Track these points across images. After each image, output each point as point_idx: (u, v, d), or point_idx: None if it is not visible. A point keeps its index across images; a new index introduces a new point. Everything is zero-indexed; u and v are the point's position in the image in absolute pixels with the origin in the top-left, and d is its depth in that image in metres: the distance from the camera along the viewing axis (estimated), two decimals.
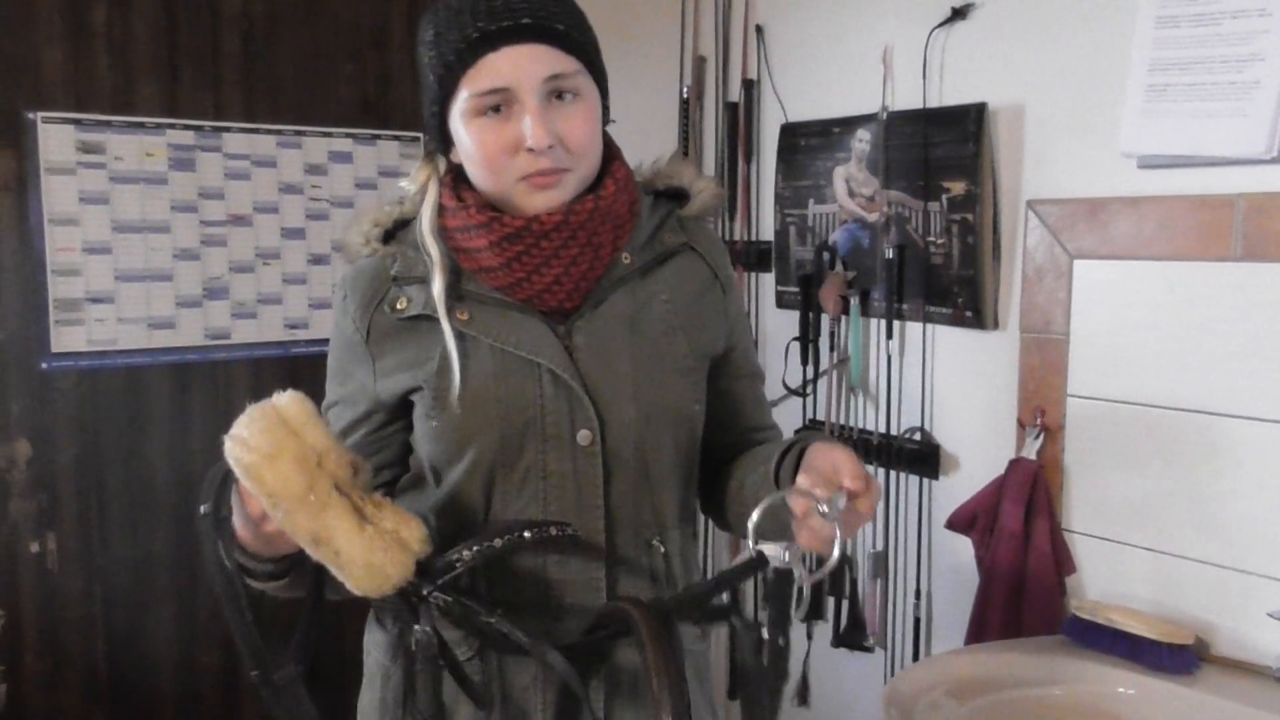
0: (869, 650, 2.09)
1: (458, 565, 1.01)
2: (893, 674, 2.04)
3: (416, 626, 1.01)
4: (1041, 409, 1.75)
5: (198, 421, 2.45)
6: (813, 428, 2.17)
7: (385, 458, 1.18)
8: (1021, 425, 1.79)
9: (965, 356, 1.91)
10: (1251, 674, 1.49)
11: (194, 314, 2.43)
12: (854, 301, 2.05)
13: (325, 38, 2.55)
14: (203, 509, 0.97)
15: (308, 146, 2.54)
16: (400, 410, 1.16)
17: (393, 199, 1.19)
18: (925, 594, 1.99)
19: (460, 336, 1.10)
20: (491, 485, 1.12)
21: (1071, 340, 1.72)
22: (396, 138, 2.63)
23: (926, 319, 1.95)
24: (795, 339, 2.16)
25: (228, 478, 0.96)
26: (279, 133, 2.50)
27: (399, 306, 1.12)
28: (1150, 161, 1.60)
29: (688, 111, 2.40)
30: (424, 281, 1.11)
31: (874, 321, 2.05)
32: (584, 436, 1.11)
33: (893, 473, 2.03)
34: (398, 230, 1.16)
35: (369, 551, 0.95)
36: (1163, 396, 1.60)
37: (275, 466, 0.92)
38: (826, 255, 2.09)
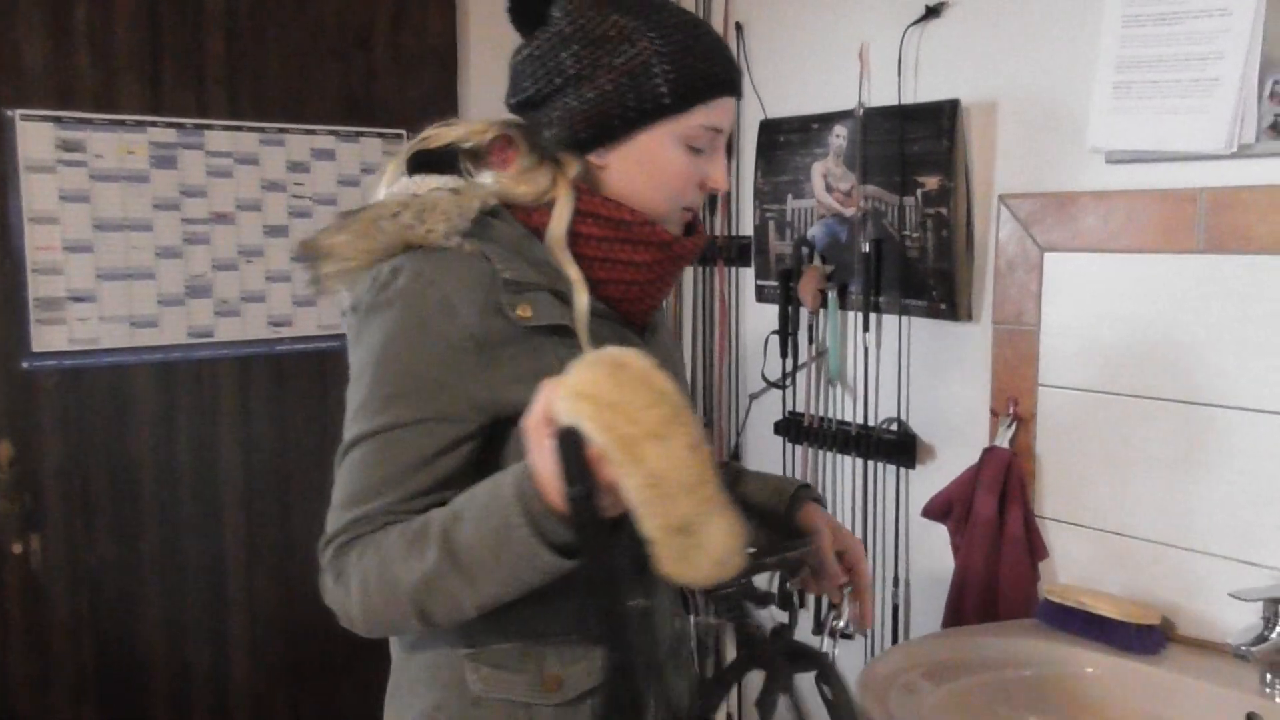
0: (849, 637, 2.13)
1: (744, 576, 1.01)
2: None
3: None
4: (1014, 399, 1.80)
5: (182, 419, 2.45)
6: (792, 420, 2.21)
7: (465, 481, 1.02)
8: (995, 415, 1.83)
9: (940, 348, 1.95)
10: (1214, 652, 1.54)
11: (177, 312, 2.44)
12: (832, 295, 2.09)
13: (309, 36, 2.56)
14: (571, 492, 0.86)
15: (290, 144, 2.55)
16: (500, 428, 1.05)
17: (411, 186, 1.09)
18: (903, 581, 2.03)
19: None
20: None
21: (1042, 331, 1.76)
22: (380, 135, 2.64)
23: (903, 311, 1.99)
24: (774, 332, 2.20)
25: (578, 445, 0.85)
26: (262, 130, 2.51)
27: (521, 313, 1.02)
28: (1117, 156, 1.64)
29: None
30: (541, 288, 1.05)
31: (851, 314, 2.09)
32: None
33: (870, 463, 2.07)
34: (476, 224, 1.06)
35: (733, 544, 0.86)
36: (1130, 385, 1.65)
37: (666, 448, 0.83)
38: (805, 249, 2.13)
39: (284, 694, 2.63)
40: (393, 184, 1.11)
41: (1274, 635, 1.40)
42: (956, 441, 1.93)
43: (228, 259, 2.50)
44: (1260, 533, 1.51)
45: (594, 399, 0.84)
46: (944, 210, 1.87)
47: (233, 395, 2.51)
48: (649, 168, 1.08)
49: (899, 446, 2.01)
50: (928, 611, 1.98)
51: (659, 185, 1.08)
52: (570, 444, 0.85)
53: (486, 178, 1.09)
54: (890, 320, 2.02)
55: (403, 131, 2.66)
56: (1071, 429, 1.73)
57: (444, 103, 2.71)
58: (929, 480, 1.95)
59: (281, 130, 2.54)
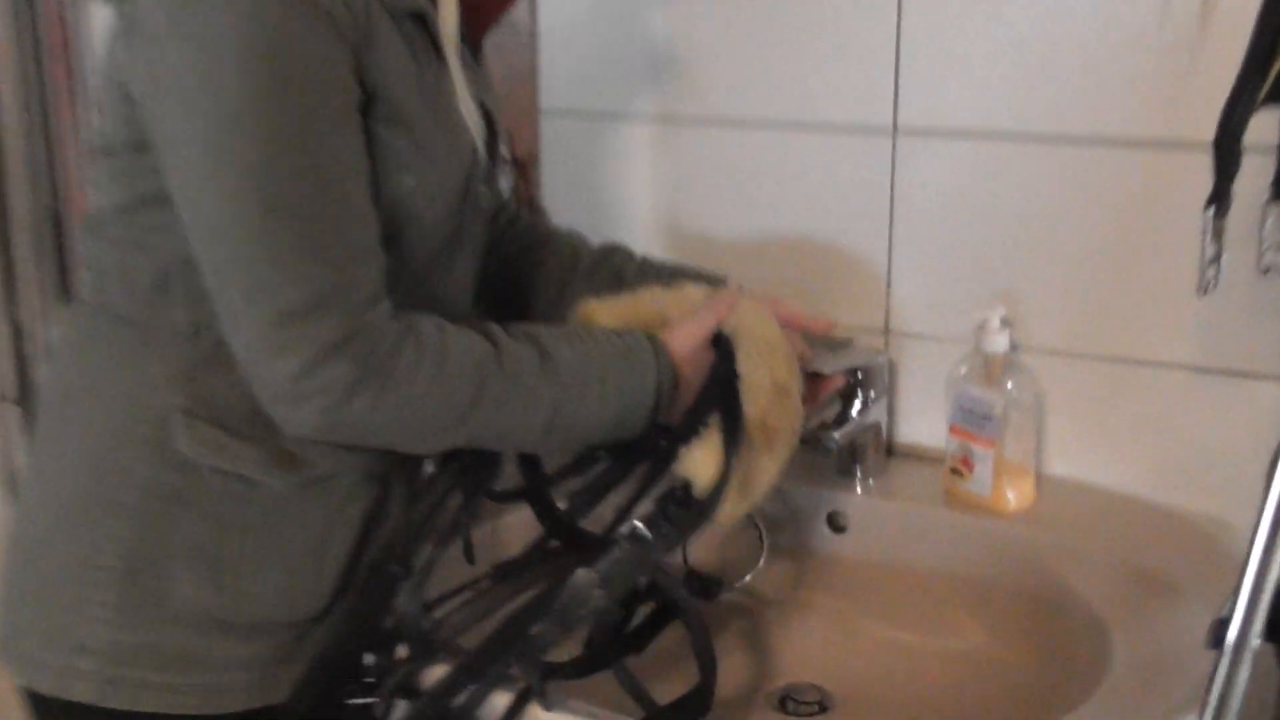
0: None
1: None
2: None
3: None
4: (509, 133, 1.33)
5: None
6: None
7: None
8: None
9: None
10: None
11: None
12: None
13: None
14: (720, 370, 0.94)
15: None
16: None
17: None
18: None
19: None
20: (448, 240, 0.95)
21: (540, 39, 1.31)
22: None
23: None
24: None
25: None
26: None
27: None
28: None
29: None
30: None
31: None
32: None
33: None
34: None
35: (772, 483, 0.94)
36: (644, 106, 1.27)
37: (793, 367, 0.94)
38: None
39: None
40: None
41: (853, 414, 1.11)
42: None
43: None
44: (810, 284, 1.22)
45: (769, 330, 0.94)
46: None
47: None
48: None
49: None
50: None
51: None
52: (728, 347, 0.93)
53: None
54: None
55: None
56: (583, 169, 1.33)
57: None
58: None
59: None
